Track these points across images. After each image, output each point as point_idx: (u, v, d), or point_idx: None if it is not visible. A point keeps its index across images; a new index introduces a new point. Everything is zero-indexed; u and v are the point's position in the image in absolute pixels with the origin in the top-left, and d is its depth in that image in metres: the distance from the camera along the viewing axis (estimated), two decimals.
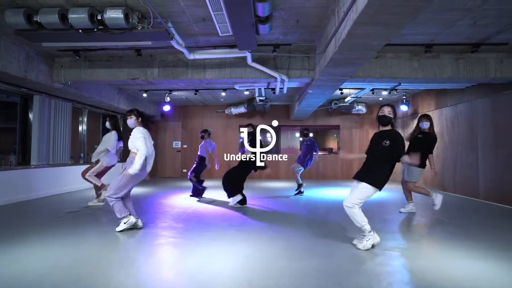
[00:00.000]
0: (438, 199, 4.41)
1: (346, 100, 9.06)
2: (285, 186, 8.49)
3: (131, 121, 3.64)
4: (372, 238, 2.99)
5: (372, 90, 7.70)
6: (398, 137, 3.00)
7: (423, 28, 4.38)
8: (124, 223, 3.52)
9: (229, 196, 5.35)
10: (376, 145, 3.07)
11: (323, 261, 2.70)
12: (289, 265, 2.62)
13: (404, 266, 2.65)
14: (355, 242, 3.10)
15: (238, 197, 5.29)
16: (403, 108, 8.46)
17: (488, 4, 3.62)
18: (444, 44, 4.98)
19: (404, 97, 8.26)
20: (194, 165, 6.10)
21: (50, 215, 4.57)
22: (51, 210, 4.94)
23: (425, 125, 4.68)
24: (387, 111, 3.06)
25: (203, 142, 6.16)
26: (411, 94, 8.72)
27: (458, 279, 2.34)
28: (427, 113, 5.00)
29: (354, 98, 8.69)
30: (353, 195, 3.01)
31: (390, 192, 7.38)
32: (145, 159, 3.50)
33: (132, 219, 3.55)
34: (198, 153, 6.17)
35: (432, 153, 4.68)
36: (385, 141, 2.98)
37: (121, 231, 3.53)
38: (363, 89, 7.53)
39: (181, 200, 6.05)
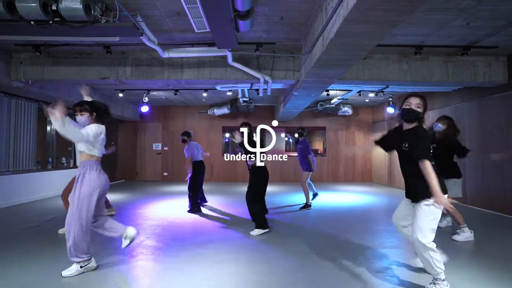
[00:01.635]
0: (466, 235, 3.64)
1: (332, 101, 8.83)
2: (275, 190, 8.15)
3: (82, 118, 2.70)
4: None
5: (359, 92, 7.50)
6: (419, 137, 2.25)
7: (414, 29, 4.14)
8: (81, 267, 2.62)
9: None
10: (398, 150, 2.41)
11: None
12: None
13: None
14: None
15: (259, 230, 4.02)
16: (390, 110, 8.33)
17: (483, 4, 3.41)
18: (435, 46, 4.78)
19: (390, 99, 8.12)
20: (188, 177, 5.28)
21: (4, 230, 4.03)
22: (7, 225, 4.38)
23: (438, 126, 3.95)
24: (415, 103, 2.30)
25: (186, 146, 5.35)
26: (398, 96, 8.59)
27: None
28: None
29: (341, 100, 8.46)
30: (422, 224, 2.22)
31: (378, 196, 7.22)
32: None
33: (92, 264, 2.71)
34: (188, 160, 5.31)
35: (460, 157, 3.87)
36: (404, 144, 2.31)
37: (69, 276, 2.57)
38: (350, 90, 7.31)
39: (158, 209, 5.59)
